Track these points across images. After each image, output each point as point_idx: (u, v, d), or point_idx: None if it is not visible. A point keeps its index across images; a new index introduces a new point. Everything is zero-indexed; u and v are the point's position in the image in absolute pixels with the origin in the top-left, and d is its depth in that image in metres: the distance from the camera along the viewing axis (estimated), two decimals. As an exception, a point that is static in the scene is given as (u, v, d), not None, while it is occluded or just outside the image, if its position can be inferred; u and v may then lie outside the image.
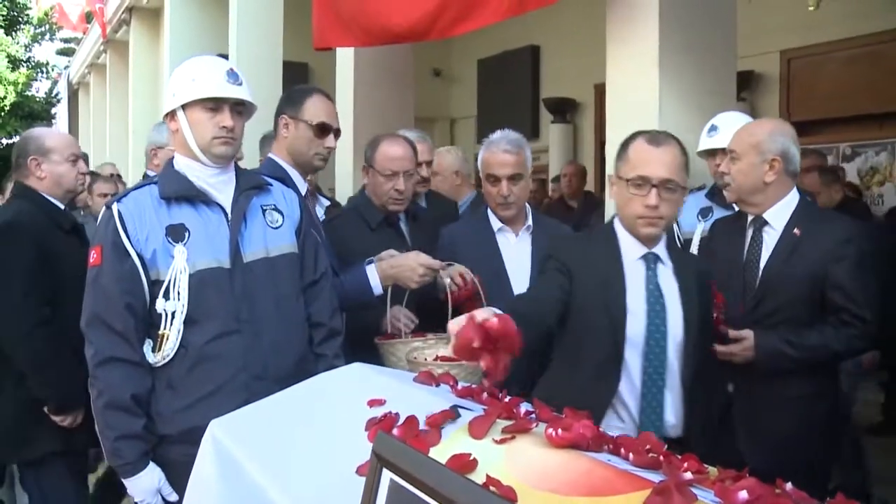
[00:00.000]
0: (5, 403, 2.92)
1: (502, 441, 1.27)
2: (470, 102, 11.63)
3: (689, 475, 1.20)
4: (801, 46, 7.96)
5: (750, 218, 2.61)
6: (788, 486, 1.29)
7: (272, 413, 1.83)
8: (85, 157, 3.22)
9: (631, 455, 1.21)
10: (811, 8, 7.70)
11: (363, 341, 2.59)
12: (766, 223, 2.56)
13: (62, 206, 3.08)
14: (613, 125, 3.48)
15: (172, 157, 2.28)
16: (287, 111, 2.69)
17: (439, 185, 4.30)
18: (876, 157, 7.63)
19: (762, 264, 2.54)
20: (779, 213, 2.54)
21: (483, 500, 0.83)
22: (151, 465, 2.13)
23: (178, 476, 2.03)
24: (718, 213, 3.03)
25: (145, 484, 2.11)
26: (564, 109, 10.06)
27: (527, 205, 3.00)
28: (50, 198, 3.03)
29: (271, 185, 2.36)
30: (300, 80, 9.76)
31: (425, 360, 2.29)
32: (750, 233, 2.61)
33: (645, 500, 1.05)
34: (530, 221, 2.97)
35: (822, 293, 2.47)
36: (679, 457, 1.33)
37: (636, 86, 3.34)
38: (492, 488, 1.11)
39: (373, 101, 5.51)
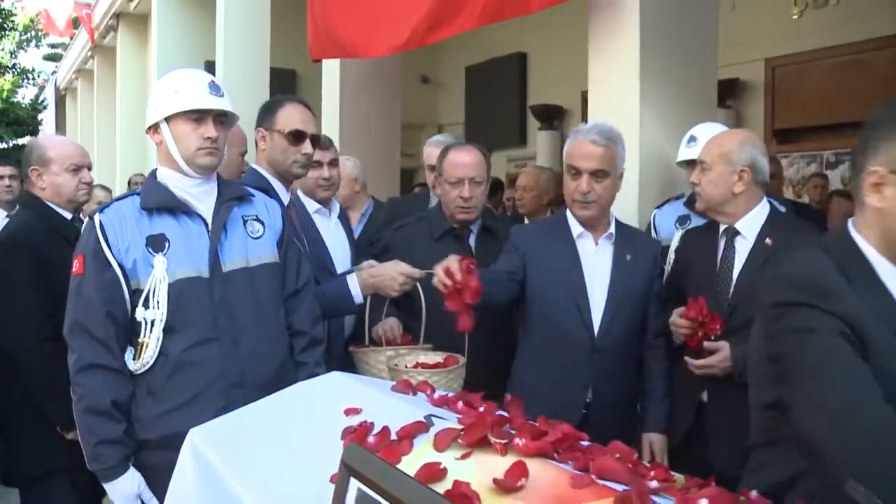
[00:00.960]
0: (11, 418, 2.92)
1: (463, 457, 1.29)
2: (458, 109, 11.66)
3: (654, 484, 1.23)
4: (786, 55, 8.02)
5: (722, 228, 2.60)
6: (754, 493, 1.32)
7: (251, 421, 1.85)
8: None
9: (596, 465, 1.23)
10: (795, 17, 7.78)
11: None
12: (737, 233, 2.54)
13: (68, 216, 3.07)
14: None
15: (156, 170, 2.30)
16: (262, 124, 2.72)
17: (338, 193, 4.37)
18: (859, 165, 7.69)
19: (735, 274, 2.52)
20: (750, 223, 2.53)
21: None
22: (131, 469, 2.15)
23: (158, 481, 2.06)
24: (695, 221, 3.05)
25: (125, 488, 2.13)
26: (551, 116, 10.09)
27: (611, 211, 2.72)
28: (55, 207, 3.03)
29: (253, 195, 2.38)
30: (288, 86, 9.78)
31: (406, 367, 2.31)
32: (722, 243, 2.59)
33: (608, 508, 1.08)
34: (613, 229, 2.69)
35: None
36: (647, 465, 1.36)
37: (617, 97, 3.37)
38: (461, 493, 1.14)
39: (359, 107, 5.54)
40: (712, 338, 2.45)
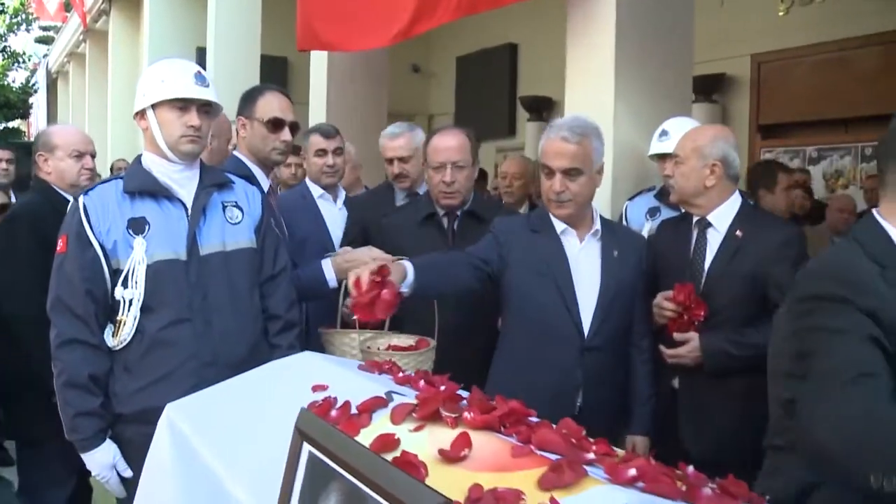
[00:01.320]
0: (11, 383, 3.10)
1: (417, 429, 1.38)
2: (448, 99, 11.72)
3: (590, 455, 1.32)
4: (772, 51, 8.12)
5: (695, 219, 2.69)
6: (690, 469, 1.40)
7: (225, 397, 1.94)
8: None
9: (536, 437, 1.33)
10: (781, 13, 7.87)
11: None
12: (709, 225, 2.63)
13: (71, 199, 3.23)
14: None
15: (141, 154, 2.38)
16: (242, 112, 2.81)
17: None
18: (841, 161, 7.80)
19: (706, 265, 2.61)
20: (722, 216, 2.61)
21: (382, 469, 0.94)
22: (108, 441, 2.24)
23: (133, 454, 2.17)
24: (665, 213, 3.15)
25: (101, 459, 2.23)
26: (540, 107, 10.16)
27: (594, 207, 2.63)
28: (59, 191, 3.24)
29: (234, 182, 2.46)
30: (279, 74, 9.84)
31: (378, 349, 2.40)
32: (695, 234, 2.68)
33: (541, 475, 1.17)
34: (598, 225, 2.61)
35: (764, 293, 2.55)
36: (591, 440, 1.45)
37: (593, 92, 3.46)
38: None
39: (346, 96, 5.61)
40: (696, 323, 2.54)
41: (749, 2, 7.91)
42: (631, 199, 3.38)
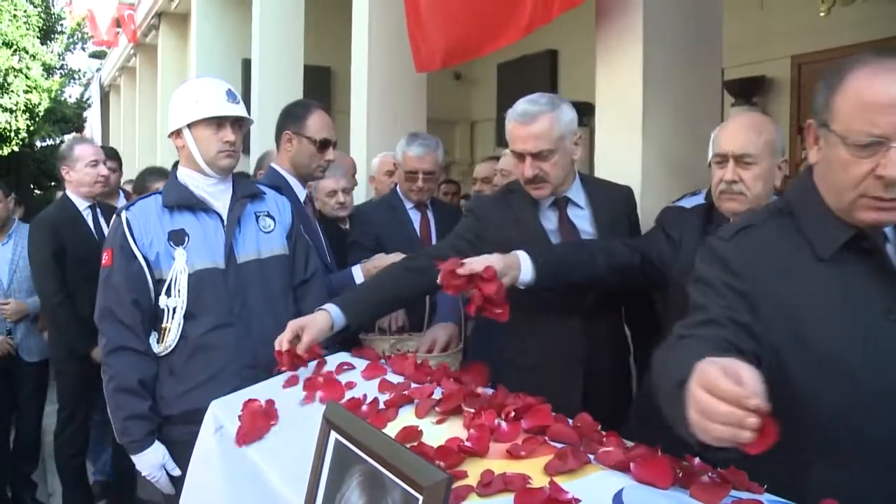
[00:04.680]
0: None
1: (439, 421, 1.50)
2: (490, 106, 11.81)
3: (599, 446, 1.41)
4: (812, 52, 8.05)
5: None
6: (697, 460, 1.48)
7: (265, 394, 2.06)
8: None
9: (551, 429, 1.43)
10: (822, 14, 7.81)
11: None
12: None
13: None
14: (602, 134, 3.71)
15: (176, 171, 2.54)
16: (290, 127, 2.91)
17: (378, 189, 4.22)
18: (885, 162, 7.72)
19: None
20: None
21: (397, 452, 1.05)
22: (157, 443, 2.37)
23: (180, 454, 2.29)
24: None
25: (151, 460, 2.36)
26: (581, 112, 10.11)
27: None
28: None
29: (265, 193, 2.61)
30: (323, 84, 10.04)
31: (408, 351, 2.51)
32: None
33: (548, 461, 1.27)
34: None
35: None
36: (604, 433, 1.54)
37: (623, 98, 3.54)
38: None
39: (387, 105, 5.73)
40: None
41: (789, 2, 7.87)
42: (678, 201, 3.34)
